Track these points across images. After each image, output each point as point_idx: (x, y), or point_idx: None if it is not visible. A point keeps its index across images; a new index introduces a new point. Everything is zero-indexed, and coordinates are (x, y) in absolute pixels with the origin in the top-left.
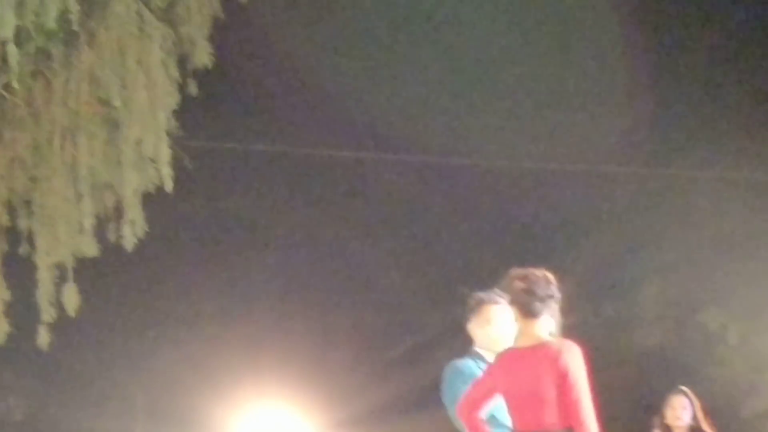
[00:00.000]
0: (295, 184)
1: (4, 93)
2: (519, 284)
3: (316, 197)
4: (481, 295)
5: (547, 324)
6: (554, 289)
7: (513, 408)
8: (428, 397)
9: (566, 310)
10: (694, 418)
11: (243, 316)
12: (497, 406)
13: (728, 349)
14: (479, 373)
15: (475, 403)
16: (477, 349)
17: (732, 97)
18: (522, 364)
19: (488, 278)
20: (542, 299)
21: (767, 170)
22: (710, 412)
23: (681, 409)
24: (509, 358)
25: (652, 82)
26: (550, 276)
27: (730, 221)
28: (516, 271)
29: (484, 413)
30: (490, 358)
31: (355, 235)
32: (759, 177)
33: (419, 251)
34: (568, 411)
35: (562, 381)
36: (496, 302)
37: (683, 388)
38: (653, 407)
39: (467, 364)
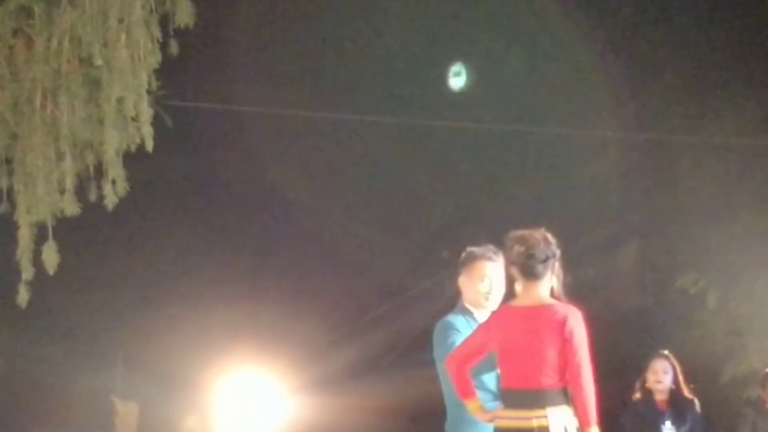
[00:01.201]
0: (274, 145)
1: None
2: (519, 248)
3: (295, 158)
4: (476, 250)
5: (550, 283)
6: (554, 249)
7: (506, 364)
8: (404, 358)
9: (567, 267)
10: (675, 381)
11: (220, 274)
12: (485, 370)
13: (707, 314)
14: (469, 328)
15: (466, 357)
16: (465, 304)
17: (715, 62)
18: (523, 323)
19: (466, 241)
20: (543, 261)
21: (749, 135)
22: (689, 376)
23: (662, 372)
24: (509, 315)
25: (634, 45)
26: (549, 236)
27: (711, 185)
28: (515, 234)
29: (472, 369)
30: (478, 313)
31: (334, 197)
32: (740, 142)
33: (397, 213)
34: (568, 373)
35: (566, 344)
36: (490, 258)
37: (664, 351)
38: (633, 371)
39: (458, 318)
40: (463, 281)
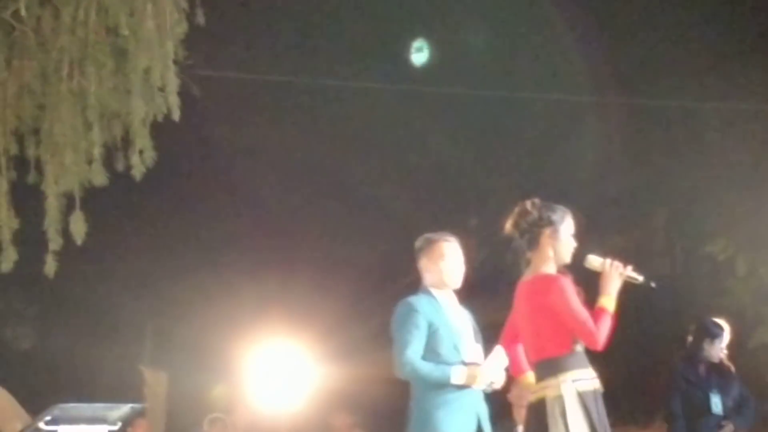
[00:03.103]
0: (303, 114)
1: (12, 21)
2: (507, 224)
3: (325, 127)
4: (432, 234)
5: (546, 253)
6: (535, 218)
7: (522, 338)
8: None
9: (577, 235)
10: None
11: (249, 244)
12: (441, 342)
13: (736, 281)
14: (431, 308)
15: (506, 337)
16: (428, 287)
17: (743, 28)
18: (519, 297)
19: (495, 207)
20: (525, 231)
21: None
22: None
23: (720, 345)
24: (518, 289)
25: (663, 14)
26: (529, 205)
27: (739, 152)
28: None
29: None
30: (440, 294)
31: (362, 165)
32: None
33: (425, 181)
34: (570, 334)
35: (549, 314)
36: (447, 240)
37: (721, 321)
38: (662, 337)
39: (420, 299)
40: (425, 264)
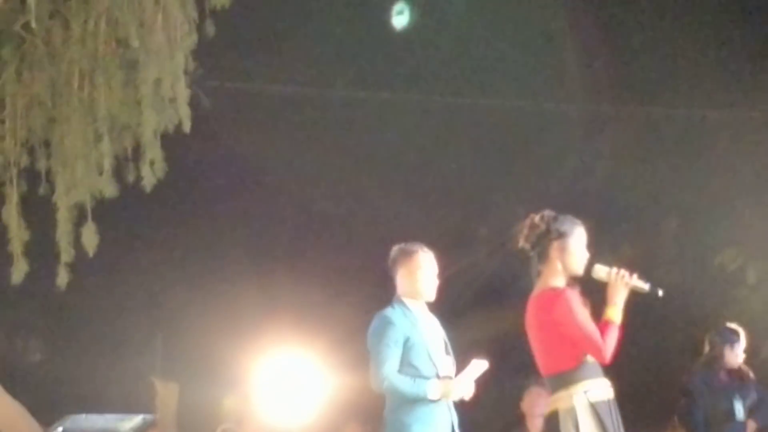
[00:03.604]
0: (314, 126)
1: (23, 33)
2: (519, 238)
3: (336, 138)
4: (407, 245)
5: (555, 266)
6: (543, 231)
7: (534, 352)
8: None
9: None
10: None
11: (260, 256)
12: (417, 355)
13: (747, 289)
14: (405, 320)
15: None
16: (402, 298)
17: (752, 35)
18: (529, 312)
19: (505, 218)
20: (535, 244)
21: None
22: None
23: (740, 350)
24: (528, 304)
25: (669, 20)
26: (537, 218)
27: (749, 161)
28: None
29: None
30: (413, 305)
31: (373, 177)
32: None
33: (436, 192)
34: (575, 349)
35: (556, 329)
36: (423, 250)
37: (737, 327)
38: (673, 347)
39: (395, 312)
40: (403, 274)
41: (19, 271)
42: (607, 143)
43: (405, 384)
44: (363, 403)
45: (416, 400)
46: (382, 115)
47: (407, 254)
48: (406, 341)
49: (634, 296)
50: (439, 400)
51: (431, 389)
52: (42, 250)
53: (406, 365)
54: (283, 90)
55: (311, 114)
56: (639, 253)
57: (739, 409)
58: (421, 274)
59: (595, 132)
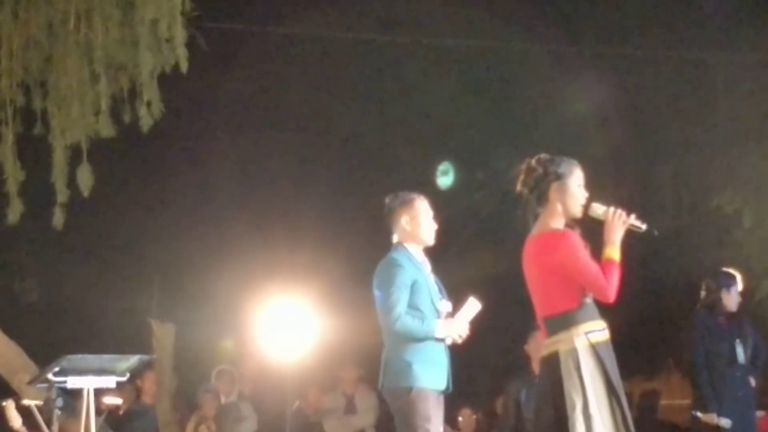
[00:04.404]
0: (311, 67)
1: None
2: (517, 183)
3: (332, 80)
4: (407, 193)
5: (555, 208)
6: (540, 174)
7: (531, 294)
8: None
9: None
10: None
11: (257, 195)
12: (422, 298)
13: (743, 232)
14: (410, 264)
15: None
16: (403, 243)
17: None
18: (527, 253)
19: (502, 161)
20: (533, 188)
21: None
22: None
23: (737, 293)
24: (525, 246)
25: None
26: (534, 161)
27: (747, 104)
28: None
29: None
30: (414, 250)
31: (370, 118)
32: None
33: (434, 135)
34: (580, 288)
35: (558, 270)
36: (422, 198)
37: (733, 271)
38: (669, 289)
39: (400, 255)
40: (407, 221)
41: (14, 211)
42: (602, 85)
43: (415, 324)
44: (357, 346)
45: (420, 341)
46: (380, 57)
47: (406, 201)
48: (413, 284)
49: (632, 238)
50: (441, 340)
51: (438, 329)
52: (38, 191)
53: (412, 308)
54: (279, 31)
55: (307, 55)
56: (635, 196)
57: (740, 353)
58: (422, 219)
59: (592, 74)
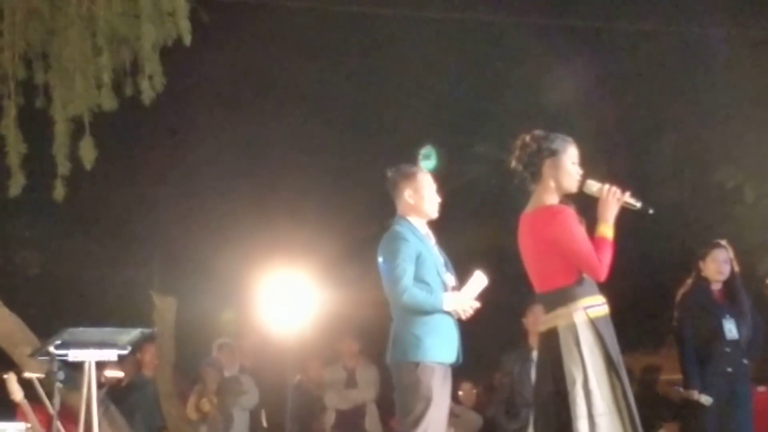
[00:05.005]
0: (315, 41)
1: None
2: (512, 159)
3: (337, 53)
4: (403, 166)
5: (549, 184)
6: (534, 150)
7: (528, 270)
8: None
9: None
10: (731, 273)
11: (259, 171)
12: (428, 271)
13: (744, 207)
14: (414, 236)
15: None
16: (406, 216)
17: None
18: (522, 229)
19: (500, 133)
20: (527, 164)
21: None
22: None
23: (723, 263)
24: (520, 222)
25: None
26: (528, 138)
27: (748, 78)
28: None
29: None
30: (419, 224)
31: (375, 92)
32: None
33: (438, 107)
34: (573, 265)
35: (553, 245)
36: (422, 170)
37: (722, 242)
38: (669, 264)
39: (404, 228)
40: (409, 193)
41: (16, 183)
42: (604, 60)
43: (422, 296)
44: (358, 319)
45: (429, 314)
46: (383, 30)
47: (409, 175)
48: (418, 257)
49: (631, 214)
50: (449, 313)
51: (446, 301)
52: (39, 163)
53: (418, 281)
54: (282, 3)
55: (311, 27)
56: (636, 170)
57: (730, 329)
58: (426, 192)
59: (591, 48)
